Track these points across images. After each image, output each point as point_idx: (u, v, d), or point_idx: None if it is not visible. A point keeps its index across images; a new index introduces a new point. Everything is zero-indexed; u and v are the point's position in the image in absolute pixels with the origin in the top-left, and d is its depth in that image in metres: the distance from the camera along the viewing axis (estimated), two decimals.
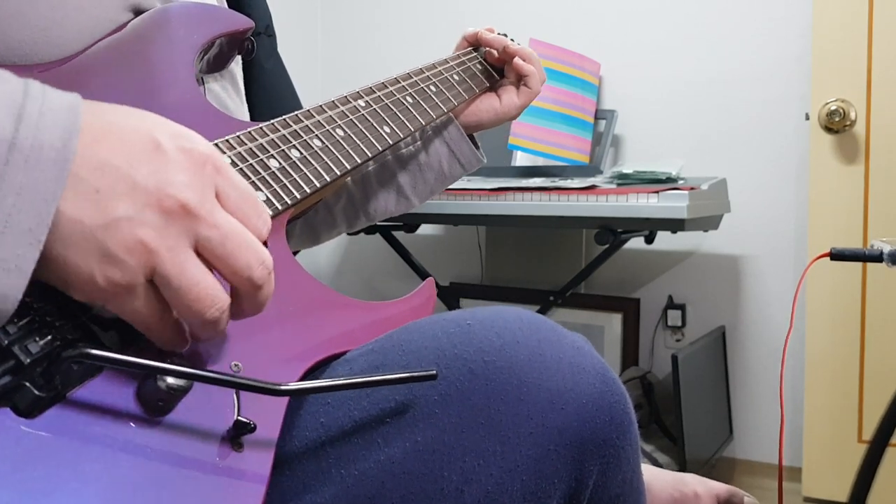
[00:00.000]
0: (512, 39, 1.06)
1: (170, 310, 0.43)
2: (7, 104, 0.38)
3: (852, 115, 2.01)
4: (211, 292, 0.42)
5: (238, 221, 0.44)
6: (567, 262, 2.42)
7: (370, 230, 2.33)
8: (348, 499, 0.50)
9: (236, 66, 0.80)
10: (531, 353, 0.52)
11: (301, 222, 0.95)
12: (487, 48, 0.99)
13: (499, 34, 1.05)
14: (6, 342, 0.39)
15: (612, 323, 2.42)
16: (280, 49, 1.82)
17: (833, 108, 2.01)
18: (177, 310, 0.43)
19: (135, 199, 0.40)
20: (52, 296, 0.43)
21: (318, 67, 3.04)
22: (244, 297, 0.45)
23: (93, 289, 0.41)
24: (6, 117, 0.38)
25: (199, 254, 0.43)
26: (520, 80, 0.97)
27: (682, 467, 1.87)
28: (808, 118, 2.08)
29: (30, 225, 0.37)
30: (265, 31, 1.81)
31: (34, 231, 0.38)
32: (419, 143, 0.93)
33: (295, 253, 0.67)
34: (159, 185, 0.41)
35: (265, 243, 0.59)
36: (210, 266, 0.43)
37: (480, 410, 0.50)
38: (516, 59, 0.96)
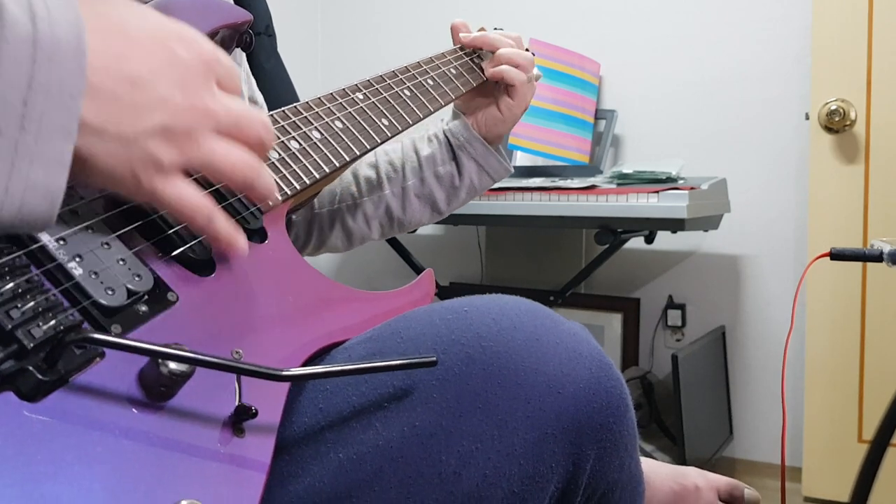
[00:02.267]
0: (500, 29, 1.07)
1: (204, 197, 0.49)
2: None
3: (852, 115, 2.01)
4: (242, 158, 0.50)
5: (237, 99, 0.51)
6: (567, 262, 2.42)
7: None
8: (346, 482, 0.50)
9: (236, 62, 0.81)
10: (528, 339, 0.53)
11: (339, 228, 0.96)
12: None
13: (494, 28, 1.05)
14: (9, 326, 0.40)
15: (612, 323, 2.42)
16: (280, 49, 1.82)
17: (833, 107, 2.01)
18: (221, 181, 0.51)
19: (167, 108, 0.45)
20: (56, 280, 0.44)
21: (318, 67, 3.05)
22: (262, 153, 0.52)
23: (136, 188, 0.45)
24: (21, 10, 0.39)
25: (219, 133, 0.49)
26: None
27: None
28: (807, 118, 2.08)
29: (62, 121, 0.40)
30: (265, 31, 1.82)
31: (66, 125, 0.40)
32: (452, 162, 0.96)
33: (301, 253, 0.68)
34: (185, 94, 0.46)
35: (265, 231, 0.60)
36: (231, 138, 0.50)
37: (478, 395, 0.51)
38: (487, 71, 0.97)
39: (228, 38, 0.72)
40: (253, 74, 1.35)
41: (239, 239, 0.51)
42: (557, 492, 0.53)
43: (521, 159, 2.39)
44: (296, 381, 0.49)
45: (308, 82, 2.94)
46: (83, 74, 0.41)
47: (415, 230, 2.49)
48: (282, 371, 0.47)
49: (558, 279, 2.25)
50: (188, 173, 0.48)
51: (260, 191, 0.52)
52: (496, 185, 1.96)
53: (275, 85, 1.86)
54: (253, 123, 0.51)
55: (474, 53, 0.99)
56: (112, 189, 0.46)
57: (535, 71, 1.01)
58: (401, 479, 0.50)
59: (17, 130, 0.38)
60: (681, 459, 1.88)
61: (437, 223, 2.66)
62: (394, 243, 2.39)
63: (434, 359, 0.51)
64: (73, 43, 0.40)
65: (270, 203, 0.59)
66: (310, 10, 3.01)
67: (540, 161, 2.29)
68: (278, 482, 0.52)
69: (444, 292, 2.32)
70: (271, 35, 1.88)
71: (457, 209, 1.01)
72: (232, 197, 0.58)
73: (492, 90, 0.98)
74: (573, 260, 2.42)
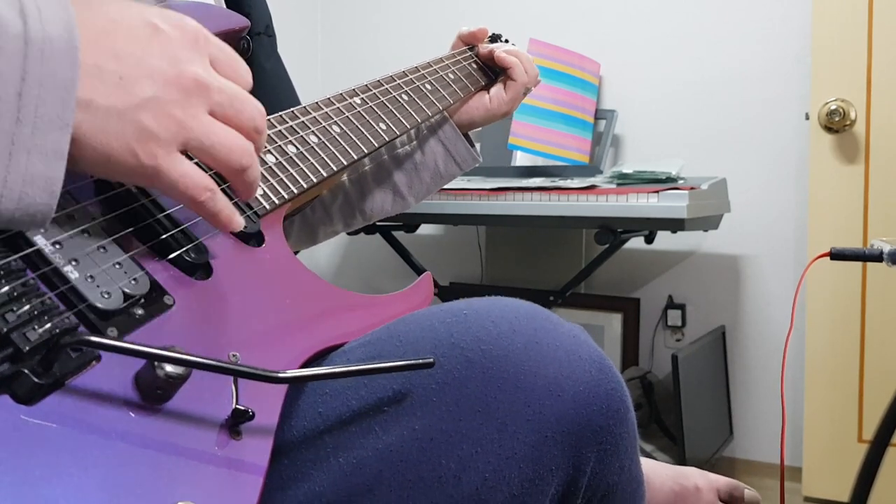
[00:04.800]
0: (506, 40, 1.07)
1: (207, 175, 0.48)
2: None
3: (852, 115, 2.01)
4: (238, 142, 0.49)
5: (233, 81, 0.50)
6: (567, 262, 2.42)
7: (370, 230, 2.33)
8: (346, 487, 0.50)
9: None
10: (527, 342, 0.53)
11: (299, 221, 0.95)
12: (482, 47, 1.00)
13: (493, 35, 1.06)
14: (5, 330, 0.40)
15: (612, 323, 2.42)
16: (280, 49, 1.82)
17: (833, 107, 2.01)
18: (213, 165, 0.48)
19: (155, 80, 0.45)
20: (51, 284, 0.44)
21: (318, 67, 3.05)
22: (256, 142, 0.51)
23: (136, 166, 0.44)
24: (11, 11, 0.40)
25: (214, 115, 0.48)
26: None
27: None
28: (808, 118, 2.08)
29: (57, 112, 0.40)
30: (265, 31, 1.81)
31: (62, 116, 0.41)
32: (415, 142, 0.94)
33: (295, 253, 0.68)
34: (172, 64, 0.46)
35: (262, 235, 0.60)
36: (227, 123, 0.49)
37: (477, 398, 0.51)
38: (497, 53, 0.97)
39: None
40: (253, 75, 1.35)
41: (236, 217, 0.51)
42: (557, 494, 0.53)
43: (521, 159, 2.38)
44: (292, 382, 0.49)
45: (308, 82, 2.94)
46: (76, 67, 0.41)
47: (417, 230, 2.50)
48: (278, 373, 0.47)
49: (558, 279, 2.25)
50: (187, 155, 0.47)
51: (249, 181, 0.51)
52: (496, 185, 1.98)
53: (275, 85, 1.85)
54: (247, 106, 0.50)
55: (472, 59, 0.99)
56: (111, 174, 0.45)
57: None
58: (401, 482, 0.50)
59: (12, 123, 0.39)
60: (681, 459, 1.88)
61: (437, 223, 2.68)
62: (393, 243, 2.39)
63: (432, 360, 0.51)
64: (64, 37, 0.41)
65: (254, 207, 0.59)
66: (310, 10, 3.01)
67: (540, 161, 2.29)
68: (279, 486, 0.52)
69: (444, 292, 2.32)
70: (271, 35, 1.87)
71: (423, 197, 0.97)
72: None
73: (491, 81, 0.98)
74: (573, 260, 2.42)
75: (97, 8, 0.46)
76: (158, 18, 0.47)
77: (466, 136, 0.97)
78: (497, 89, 0.97)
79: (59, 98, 0.40)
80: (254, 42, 1.34)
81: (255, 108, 0.51)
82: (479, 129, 1.01)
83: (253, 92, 0.98)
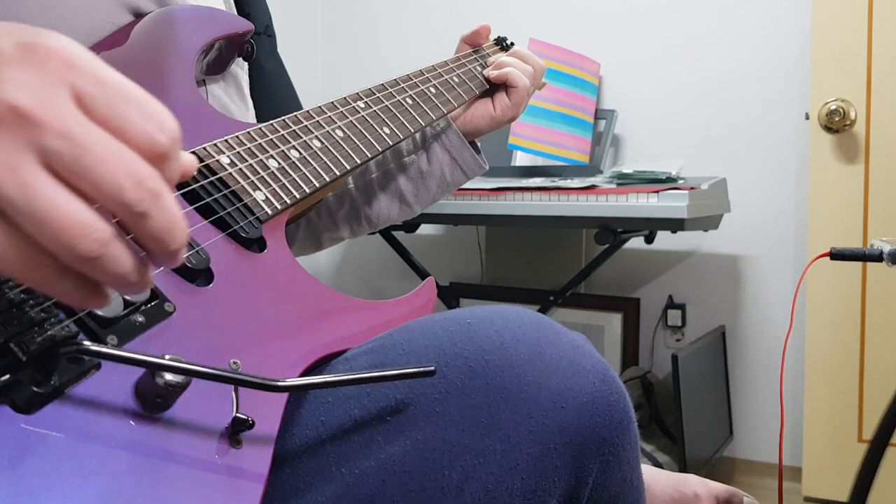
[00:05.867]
0: (512, 43, 1.06)
1: (43, 250, 0.34)
2: None
3: (852, 115, 2.01)
4: (75, 217, 0.33)
5: (105, 129, 0.34)
6: (567, 262, 2.42)
7: None
8: (349, 497, 0.50)
9: (240, 69, 0.81)
10: (531, 352, 0.52)
11: (304, 227, 0.95)
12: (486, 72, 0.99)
13: (497, 38, 1.05)
14: (3, 339, 0.39)
15: (612, 323, 2.42)
16: (280, 49, 1.82)
17: (833, 107, 2.01)
18: (43, 244, 0.33)
19: None
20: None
21: (317, 67, 3.04)
22: (133, 229, 0.35)
23: None
24: None
25: (54, 172, 0.33)
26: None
27: (683, 467, 1.87)
28: (807, 118, 2.08)
29: None
30: (265, 31, 1.81)
31: None
32: (421, 151, 0.94)
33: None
34: None
35: (264, 240, 0.59)
36: (71, 188, 0.33)
37: (481, 409, 0.50)
38: (490, 74, 0.96)
39: (229, 47, 0.72)
40: (253, 75, 1.35)
41: (73, 298, 0.37)
42: None
43: (521, 159, 2.38)
44: (292, 391, 0.48)
45: (308, 82, 2.93)
46: None
47: (417, 230, 2.50)
48: (278, 381, 0.46)
49: (558, 279, 2.25)
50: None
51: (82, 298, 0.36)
52: (496, 185, 1.97)
53: (274, 85, 1.85)
54: (110, 167, 0.33)
55: (477, 62, 0.98)
56: None
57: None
58: (403, 493, 0.50)
59: None
60: (681, 459, 1.88)
61: (437, 223, 2.68)
62: (394, 243, 2.39)
63: (433, 368, 0.51)
64: None
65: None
66: (310, 10, 3.01)
67: (540, 161, 2.28)
68: (280, 496, 0.51)
69: (444, 292, 2.32)
70: (271, 35, 1.86)
71: (429, 205, 0.97)
72: (222, 210, 0.57)
73: (491, 87, 0.97)
74: (573, 260, 2.42)
75: None
76: (4, 34, 0.34)
77: (473, 143, 0.96)
78: (500, 97, 0.96)
79: None
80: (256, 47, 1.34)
81: (128, 170, 0.34)
82: None
83: (253, 92, 0.98)
